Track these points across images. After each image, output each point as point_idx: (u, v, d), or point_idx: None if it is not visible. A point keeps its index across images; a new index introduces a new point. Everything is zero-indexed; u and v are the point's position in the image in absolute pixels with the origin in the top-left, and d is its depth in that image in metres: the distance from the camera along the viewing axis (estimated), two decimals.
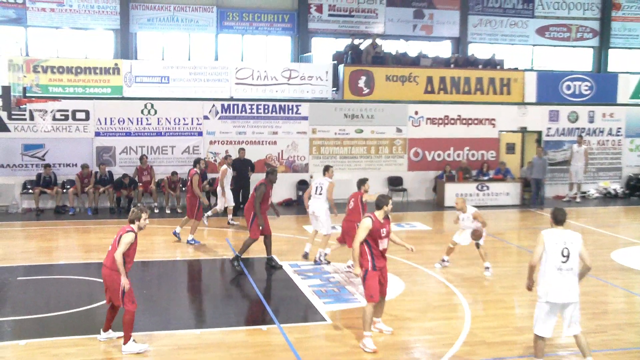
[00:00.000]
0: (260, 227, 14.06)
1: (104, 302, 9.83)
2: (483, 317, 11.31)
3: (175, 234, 17.16)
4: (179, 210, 21.52)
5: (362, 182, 14.40)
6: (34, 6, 25.88)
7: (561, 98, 26.10)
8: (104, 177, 21.51)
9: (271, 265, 14.52)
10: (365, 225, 9.86)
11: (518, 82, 25.71)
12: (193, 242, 16.72)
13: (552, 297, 8.63)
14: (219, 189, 19.54)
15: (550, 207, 22.59)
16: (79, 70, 22.35)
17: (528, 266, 8.94)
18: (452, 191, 23.26)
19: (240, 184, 21.20)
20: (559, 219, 8.85)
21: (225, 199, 19.46)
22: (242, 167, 21.26)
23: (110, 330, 9.95)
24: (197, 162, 17.65)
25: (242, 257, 14.32)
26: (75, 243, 17.52)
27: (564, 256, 8.60)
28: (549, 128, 25.73)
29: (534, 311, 8.93)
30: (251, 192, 14.23)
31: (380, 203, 10.13)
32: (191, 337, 10.22)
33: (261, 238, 14.43)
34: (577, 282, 8.72)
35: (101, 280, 9.80)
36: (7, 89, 11.75)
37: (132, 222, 9.65)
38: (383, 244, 10.03)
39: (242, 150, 21.76)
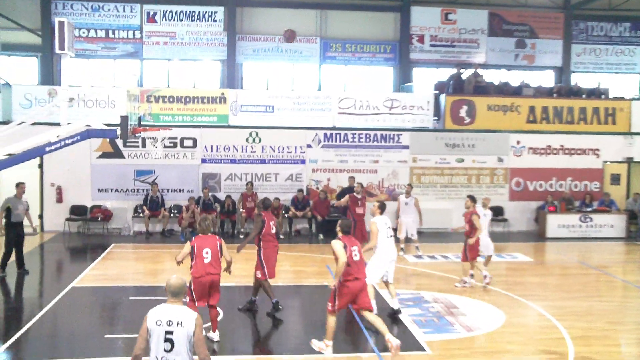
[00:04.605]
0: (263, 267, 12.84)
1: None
2: (586, 354, 11.12)
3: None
4: (281, 237, 21.99)
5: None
6: (149, 40, 27.29)
7: None
8: (208, 201, 22.26)
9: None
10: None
11: (624, 111, 25.17)
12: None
13: None
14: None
15: None
16: (187, 100, 23.29)
17: None
18: (555, 222, 22.98)
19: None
20: None
21: (399, 229, 19.49)
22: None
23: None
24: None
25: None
26: (180, 266, 18.07)
27: None
28: None
29: None
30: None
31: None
32: None
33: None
34: None
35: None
36: (125, 119, 12.47)
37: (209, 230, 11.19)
38: None
39: (352, 178, 22.37)
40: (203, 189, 22.54)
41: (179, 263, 11.14)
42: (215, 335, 11.07)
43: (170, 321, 6.67)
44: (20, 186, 16.18)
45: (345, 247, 10.45)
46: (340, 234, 10.80)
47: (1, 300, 14.54)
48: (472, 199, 15.70)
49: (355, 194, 18.84)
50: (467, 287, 15.34)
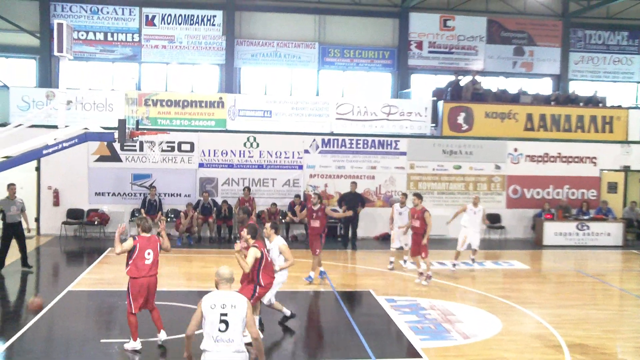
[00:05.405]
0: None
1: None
2: None
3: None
4: None
5: None
6: (148, 44, 27.30)
7: None
8: (207, 205, 22.24)
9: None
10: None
11: (621, 120, 25.22)
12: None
13: None
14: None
15: None
16: (185, 104, 23.26)
17: None
18: (552, 230, 23.00)
19: (349, 219, 21.18)
20: None
21: (392, 239, 18.93)
22: (352, 201, 21.53)
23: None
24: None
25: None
26: (177, 271, 18.11)
27: None
28: None
29: None
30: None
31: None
32: None
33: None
34: None
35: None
36: (122, 122, 12.45)
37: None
38: None
39: (353, 184, 22.32)
40: (203, 192, 22.52)
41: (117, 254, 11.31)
42: (163, 335, 11.36)
43: (224, 304, 7.36)
44: (11, 187, 16.73)
45: (262, 253, 11.15)
46: (251, 241, 11.24)
47: None
48: (419, 196, 16.61)
49: (312, 205, 17.26)
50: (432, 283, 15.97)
